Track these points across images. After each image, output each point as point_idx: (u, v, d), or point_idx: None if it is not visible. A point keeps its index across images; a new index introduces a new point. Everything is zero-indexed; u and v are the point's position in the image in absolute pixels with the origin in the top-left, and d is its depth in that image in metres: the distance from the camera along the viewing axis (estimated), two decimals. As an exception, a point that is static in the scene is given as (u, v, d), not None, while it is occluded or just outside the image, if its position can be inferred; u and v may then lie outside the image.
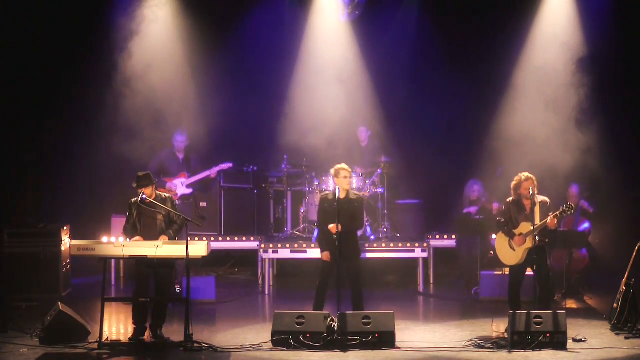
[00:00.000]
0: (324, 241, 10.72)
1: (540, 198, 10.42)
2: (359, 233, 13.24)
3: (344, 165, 10.86)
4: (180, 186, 13.32)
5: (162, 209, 10.30)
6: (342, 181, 10.77)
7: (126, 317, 10.70)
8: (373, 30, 14.99)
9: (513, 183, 10.51)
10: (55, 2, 13.87)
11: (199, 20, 14.57)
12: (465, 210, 13.44)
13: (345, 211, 10.62)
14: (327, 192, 11.10)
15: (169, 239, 10.19)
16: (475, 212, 13.41)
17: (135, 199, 10.33)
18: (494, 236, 12.13)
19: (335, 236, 10.50)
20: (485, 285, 12.48)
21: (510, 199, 10.54)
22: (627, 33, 14.08)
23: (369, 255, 13.43)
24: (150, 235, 10.24)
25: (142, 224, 10.29)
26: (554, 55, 14.17)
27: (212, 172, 13.63)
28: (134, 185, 10.30)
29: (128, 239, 10.29)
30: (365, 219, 13.51)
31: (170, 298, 10.84)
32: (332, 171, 10.93)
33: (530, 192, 10.25)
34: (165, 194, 10.58)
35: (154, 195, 10.32)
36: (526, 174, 10.47)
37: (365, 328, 9.92)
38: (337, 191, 10.64)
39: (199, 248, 10.05)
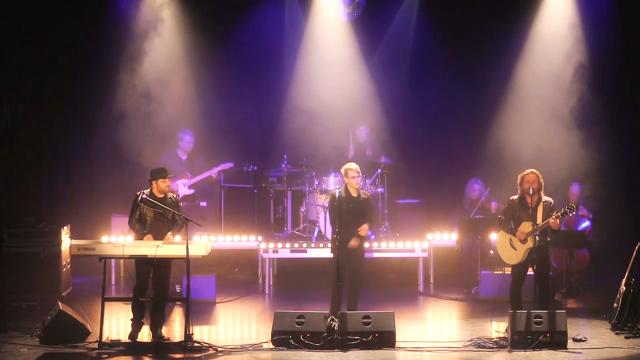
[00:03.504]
0: (337, 241, 10.76)
1: (544, 198, 10.39)
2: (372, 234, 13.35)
3: (351, 165, 11.03)
4: (182, 187, 13.28)
5: (170, 207, 10.30)
6: (351, 180, 10.95)
7: (126, 317, 10.70)
8: (373, 30, 15.01)
9: (518, 178, 10.48)
10: (59, 3, 13.88)
11: (199, 20, 14.58)
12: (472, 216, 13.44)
13: (356, 210, 10.72)
14: (337, 191, 11.16)
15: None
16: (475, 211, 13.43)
17: (140, 192, 10.33)
18: (494, 236, 12.13)
19: (335, 235, 10.56)
20: (485, 285, 12.47)
21: (515, 197, 10.51)
22: (628, 35, 14.07)
23: (369, 255, 13.40)
24: (160, 232, 10.27)
25: (153, 221, 10.28)
26: (554, 55, 14.21)
27: (213, 172, 13.62)
28: (149, 179, 10.35)
29: (134, 235, 10.28)
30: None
31: (170, 298, 10.83)
32: (342, 170, 11.12)
33: (531, 190, 10.23)
34: (173, 195, 10.61)
35: (168, 189, 10.35)
36: (531, 169, 10.46)
37: (365, 328, 9.92)
38: (337, 190, 10.79)
39: (199, 248, 10.05)
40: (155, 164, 13.06)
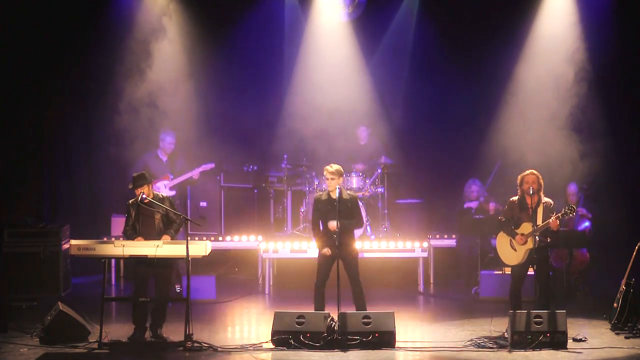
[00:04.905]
0: (322, 239, 10.70)
1: (544, 199, 10.38)
2: (360, 232, 13.30)
3: (327, 167, 10.78)
4: (163, 188, 13.13)
5: (160, 208, 10.29)
6: (327, 182, 10.76)
7: (126, 317, 10.70)
8: (373, 30, 15.02)
9: (518, 178, 10.46)
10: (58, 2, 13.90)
11: (198, 20, 14.58)
12: (466, 205, 13.44)
13: (340, 212, 10.61)
14: (320, 193, 11.09)
15: (171, 239, 10.20)
16: (475, 206, 13.41)
17: (133, 200, 10.32)
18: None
19: (335, 235, 10.52)
20: (485, 285, 12.47)
21: (515, 198, 10.49)
22: (629, 37, 14.08)
23: (369, 255, 13.42)
24: (148, 235, 10.22)
25: (140, 224, 10.29)
26: (555, 55, 14.19)
27: (194, 173, 13.42)
28: (130, 186, 10.30)
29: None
30: (365, 218, 13.52)
31: (170, 298, 10.83)
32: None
33: (531, 191, 10.21)
34: (163, 194, 10.59)
35: (151, 195, 10.31)
36: (531, 169, 10.45)
37: (365, 328, 9.91)
38: (330, 191, 10.71)
39: (199, 248, 10.05)
40: (136, 165, 13.04)
